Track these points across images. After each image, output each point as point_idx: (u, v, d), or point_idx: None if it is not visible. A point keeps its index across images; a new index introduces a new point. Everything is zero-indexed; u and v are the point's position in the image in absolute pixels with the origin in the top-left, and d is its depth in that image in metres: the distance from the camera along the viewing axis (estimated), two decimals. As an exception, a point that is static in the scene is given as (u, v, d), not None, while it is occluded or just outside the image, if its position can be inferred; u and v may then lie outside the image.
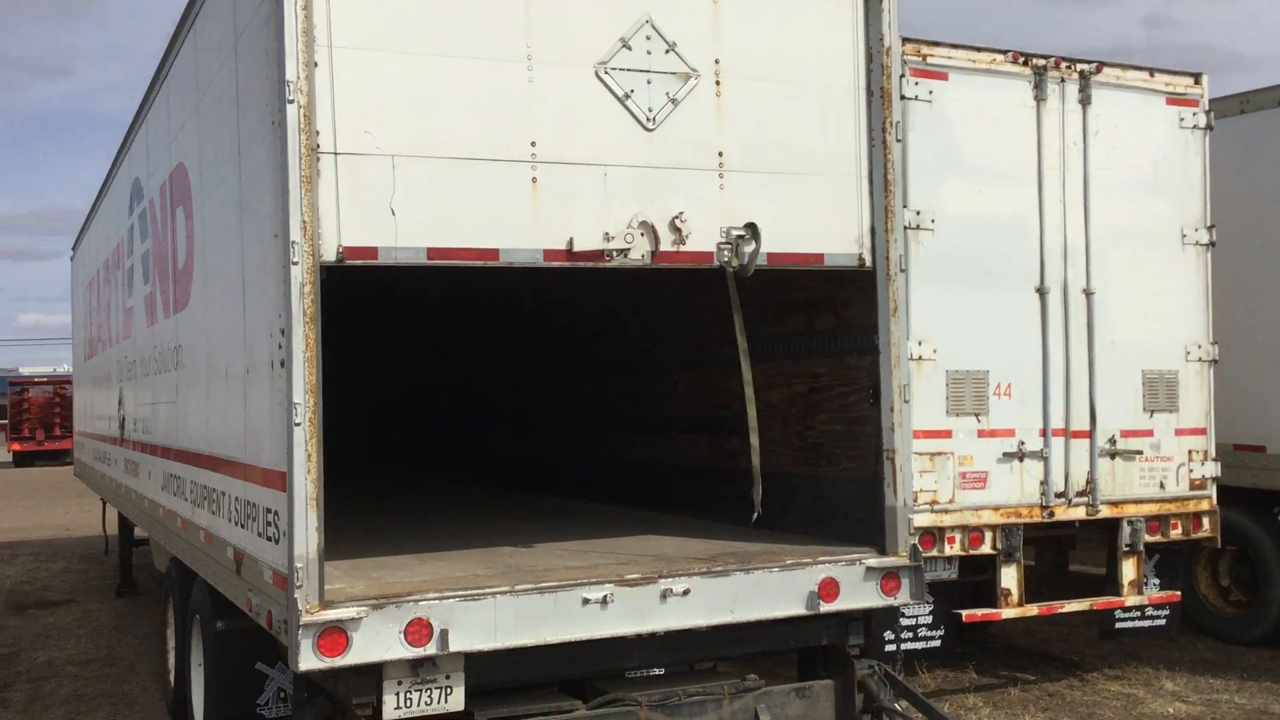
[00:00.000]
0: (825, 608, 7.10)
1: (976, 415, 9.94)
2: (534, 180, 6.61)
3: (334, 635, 6.01)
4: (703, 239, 6.97)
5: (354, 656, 6.05)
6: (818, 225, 7.29)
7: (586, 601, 6.53)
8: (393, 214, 6.28)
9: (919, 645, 10.22)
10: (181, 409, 9.39)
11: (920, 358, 9.70)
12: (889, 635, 10.06)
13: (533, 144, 6.61)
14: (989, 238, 10.05)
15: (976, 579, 10.29)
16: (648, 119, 6.87)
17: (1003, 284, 10.10)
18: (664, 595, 6.70)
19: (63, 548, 23.48)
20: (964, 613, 10.09)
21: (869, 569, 7.22)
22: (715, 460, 9.47)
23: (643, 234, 6.81)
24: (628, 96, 6.82)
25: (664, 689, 7.00)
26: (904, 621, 10.14)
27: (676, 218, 6.88)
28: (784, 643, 7.41)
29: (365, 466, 17.30)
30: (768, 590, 6.97)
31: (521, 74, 6.61)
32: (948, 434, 9.83)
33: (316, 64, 6.08)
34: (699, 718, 6.97)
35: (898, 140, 7.41)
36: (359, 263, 6.25)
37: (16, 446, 54.47)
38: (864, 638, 7.44)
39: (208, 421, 8.34)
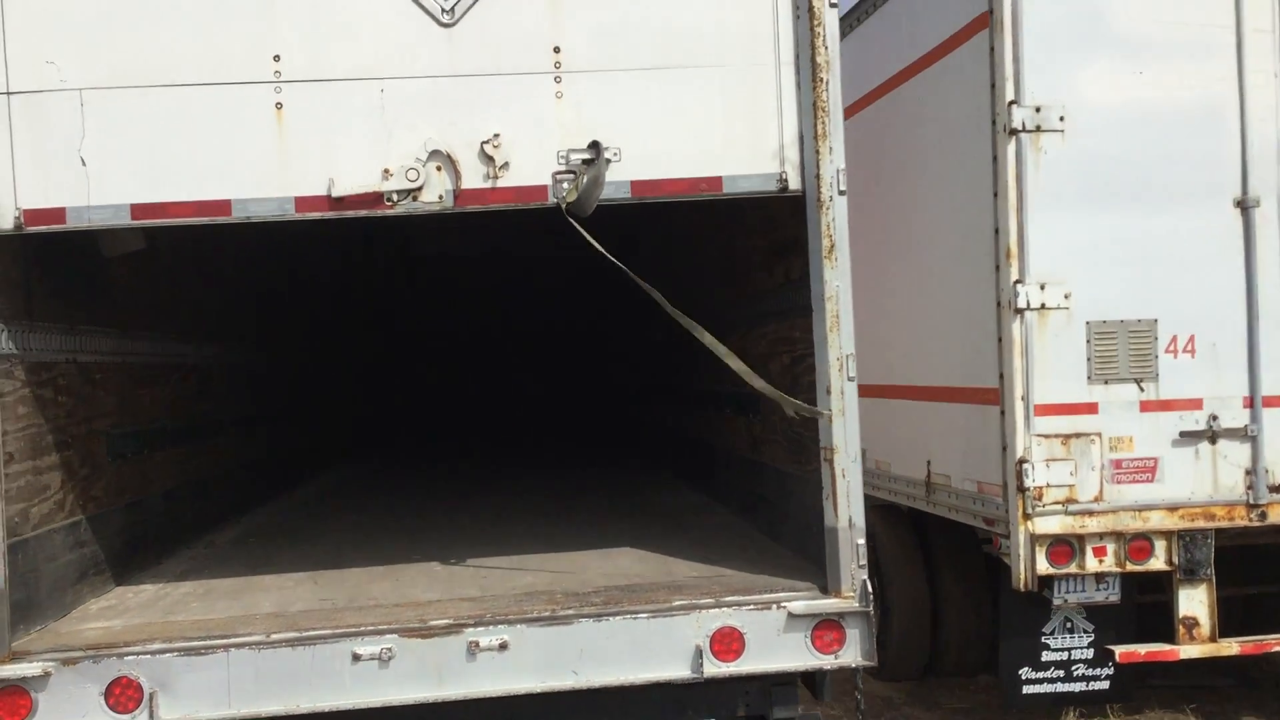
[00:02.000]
0: (719, 669, 5.11)
1: (1138, 382, 7.26)
2: (278, 107, 5.06)
3: (12, 697, 4.82)
4: (531, 169, 5.14)
5: (39, 724, 4.84)
6: (713, 137, 5.23)
7: (358, 658, 4.97)
8: (83, 164, 4.95)
9: (1075, 688, 7.70)
10: None
11: (1044, 307, 7.17)
12: (1024, 674, 7.63)
13: (276, 58, 5.06)
14: (1154, 136, 7.28)
15: (1154, 600, 7.62)
16: (443, 10, 5.11)
17: (1177, 199, 7.30)
18: (472, 650, 5.01)
19: None
20: (1119, 649, 7.47)
21: (792, 616, 5.14)
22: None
23: (439, 168, 5.08)
24: (412, -16, 5.10)
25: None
26: (1050, 655, 7.67)
27: (488, 143, 5.10)
28: (671, 716, 5.45)
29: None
30: (632, 644, 5.09)
31: (260, -32, 5.05)
32: (1090, 409, 7.25)
33: (-29, -21, 4.86)
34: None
35: (832, 5, 5.17)
36: (43, 229, 4.98)
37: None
38: (794, 710, 5.36)
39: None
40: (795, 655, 5.14)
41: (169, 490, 7.45)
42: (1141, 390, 7.26)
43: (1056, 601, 7.39)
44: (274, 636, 5.00)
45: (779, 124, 5.22)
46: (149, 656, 4.90)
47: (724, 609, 5.14)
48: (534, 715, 5.21)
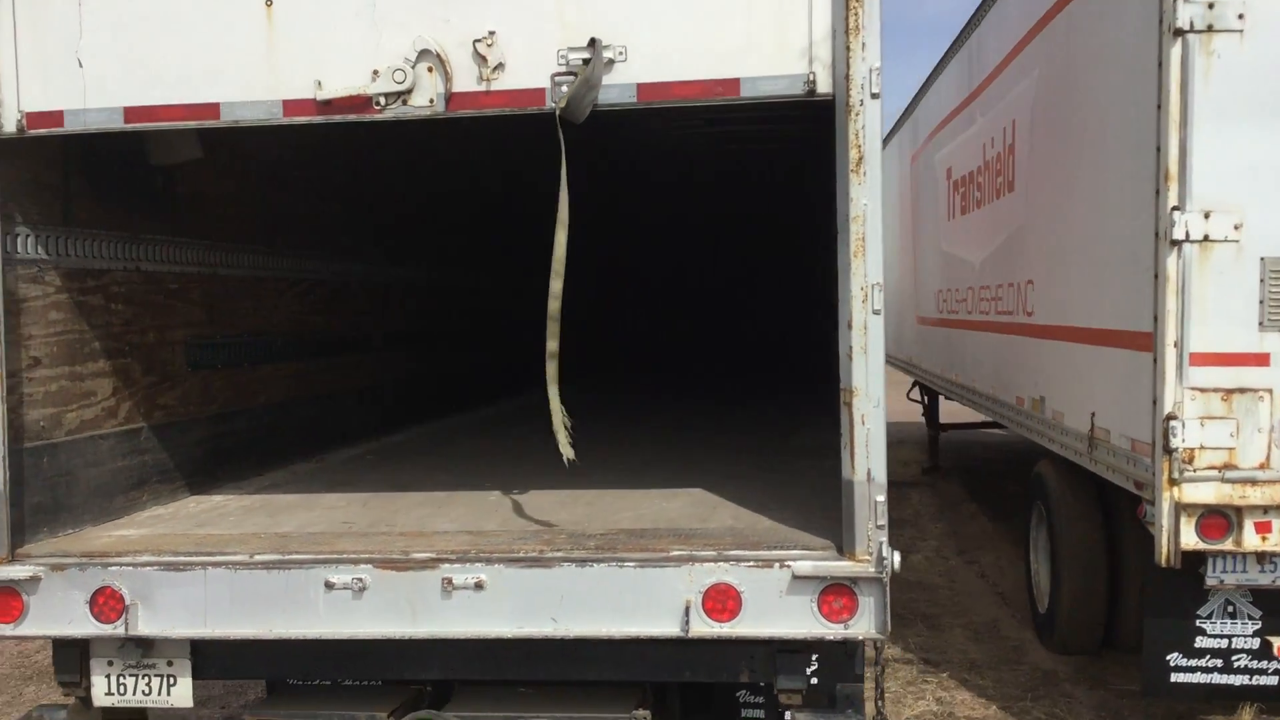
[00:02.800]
0: (710, 629, 4.60)
1: (1325, 330, 6.13)
2: (269, 4, 4.79)
3: (6, 598, 4.88)
4: (528, 70, 4.69)
5: (29, 626, 4.89)
6: (733, 32, 4.61)
7: (331, 586, 4.75)
8: (80, 65, 4.85)
9: (1235, 681, 6.67)
10: None
11: (1207, 238, 6.12)
12: (1174, 660, 6.66)
13: (268, -47, 4.79)
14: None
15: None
16: (438, -104, 4.70)
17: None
18: (446, 587, 4.70)
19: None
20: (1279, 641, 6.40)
21: (796, 577, 4.56)
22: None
23: (430, 69, 4.70)
24: None
25: (496, 712, 4.99)
26: (1205, 642, 6.66)
27: (481, 41, 4.68)
28: (666, 674, 4.96)
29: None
30: (617, 593, 4.65)
31: None
32: (1260, 360, 6.16)
33: None
34: (544, 763, 4.88)
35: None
36: (43, 132, 4.92)
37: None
38: (803, 682, 4.76)
39: None
40: (799, 621, 4.57)
41: (281, 403, 7.47)
42: (1328, 340, 6.12)
43: (1210, 581, 6.39)
44: (256, 558, 4.83)
45: (808, 16, 4.54)
46: (132, 569, 4.85)
47: (721, 564, 4.61)
48: (512, 662, 4.86)
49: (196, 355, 6.56)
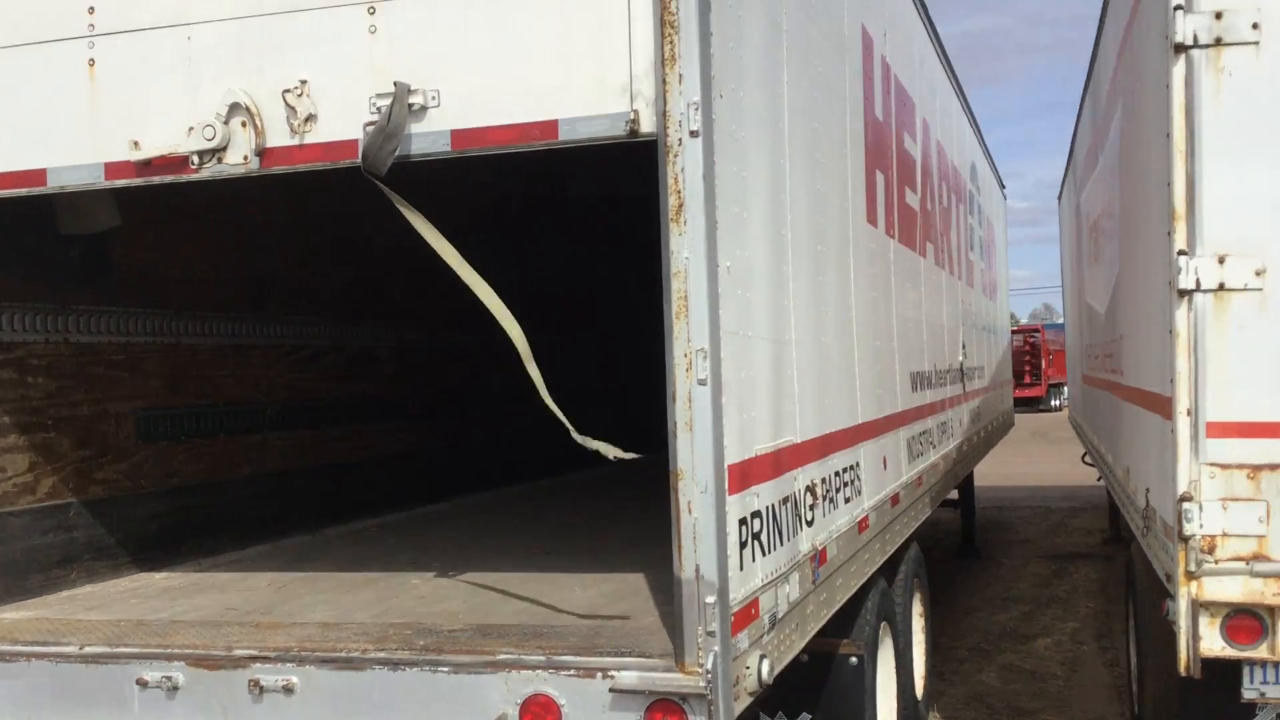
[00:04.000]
0: (523, 749, 4.02)
1: (1372, 394, 5.09)
2: (91, 64, 4.56)
3: None
4: (341, 120, 4.30)
5: None
6: (550, 70, 4.10)
7: (144, 685, 4.40)
8: (-85, 136, 4.73)
9: (1293, 811, 5.59)
10: None
11: (1223, 287, 5.18)
12: (1214, 783, 5.63)
13: (90, 10, 4.56)
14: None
15: None
16: (250, -60, 4.38)
17: None
18: (256, 689, 4.28)
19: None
20: None
21: (619, 690, 3.94)
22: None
23: (243, 124, 4.37)
24: (221, -88, 4.40)
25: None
26: (1254, 763, 5.61)
27: (291, 91, 4.31)
28: None
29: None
30: (431, 702, 4.13)
31: (76, -94, 4.58)
32: (1292, 430, 5.18)
33: None
34: None
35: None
36: None
37: (991, 393, 55.95)
38: None
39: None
40: (624, 741, 3.94)
41: (273, 475, 7.26)
42: (1377, 407, 5.08)
43: (1249, 695, 5.37)
44: (86, 650, 4.53)
45: (628, 48, 3.99)
46: (-39, 657, 4.61)
47: (539, 671, 4.03)
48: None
49: (151, 427, 6.37)
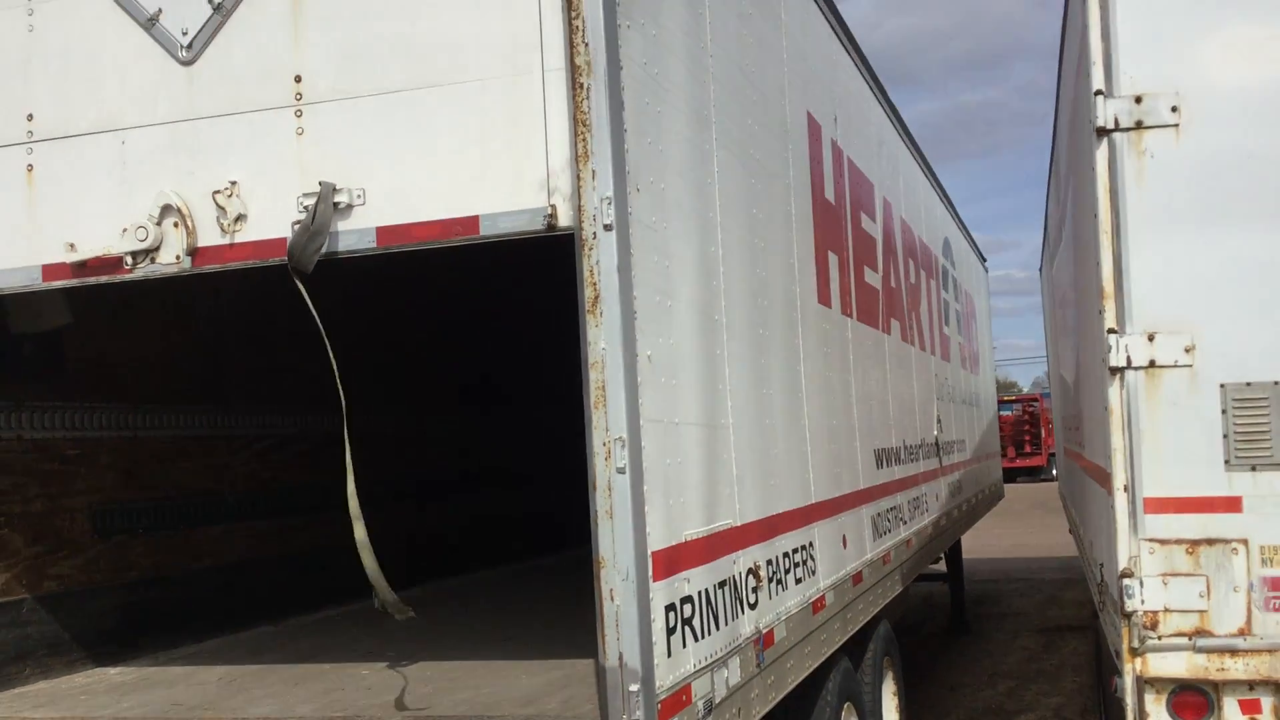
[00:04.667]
0: (452, 844, 4.02)
1: (1307, 467, 5.14)
2: (29, 169, 4.67)
3: None
4: (270, 219, 4.40)
5: None
6: (470, 168, 4.20)
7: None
8: None
9: None
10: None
11: (1153, 364, 5.25)
12: None
13: (29, 117, 4.68)
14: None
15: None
16: (182, 47, 4.50)
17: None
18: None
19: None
20: None
21: (545, 784, 3.95)
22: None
23: (175, 224, 4.46)
24: (154, 20, 4.54)
25: None
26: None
27: (221, 193, 4.42)
28: None
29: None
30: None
31: (20, 20, 4.71)
32: (1231, 504, 5.20)
33: None
34: None
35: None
36: None
37: (988, 462, 55.84)
38: None
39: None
40: (551, 834, 3.94)
41: (235, 565, 7.28)
42: (1313, 480, 5.12)
43: (1200, 772, 5.36)
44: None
45: (544, 144, 4.09)
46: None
47: (463, 764, 4.04)
48: None
49: (108, 521, 6.41)
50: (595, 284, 3.93)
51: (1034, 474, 53.14)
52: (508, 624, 7.23)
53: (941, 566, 16.08)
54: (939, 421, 12.36)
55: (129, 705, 5.25)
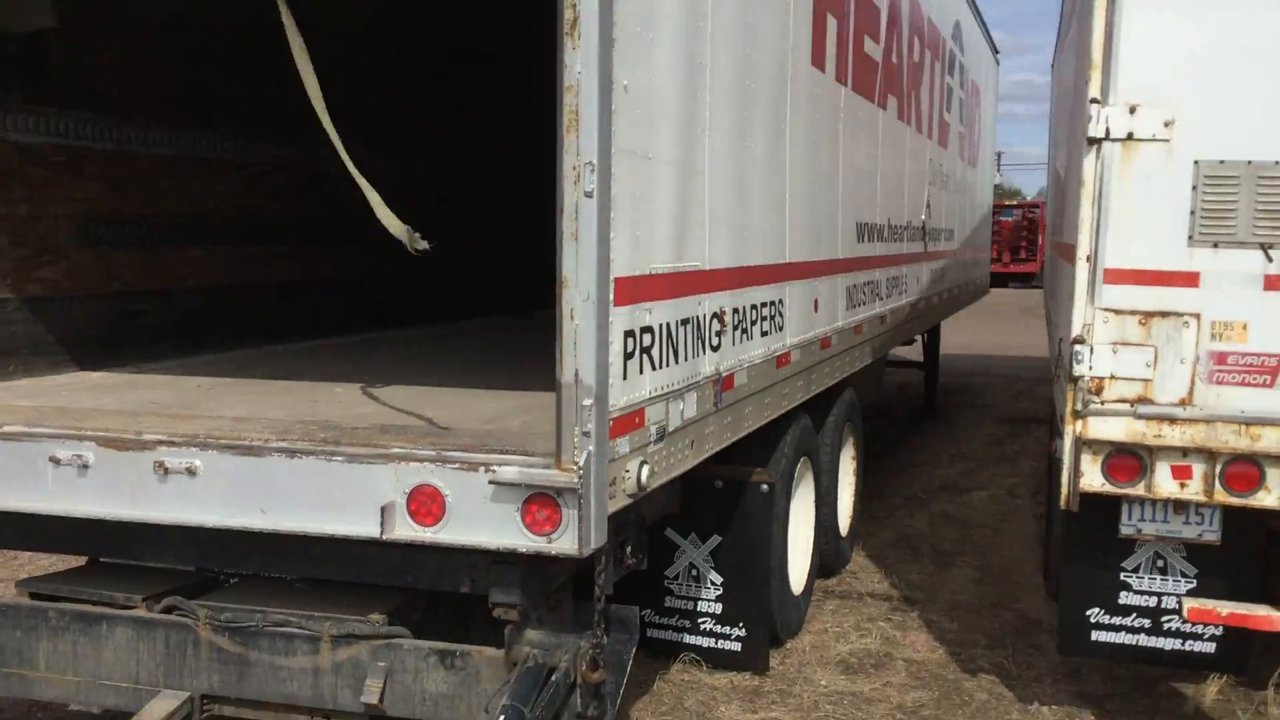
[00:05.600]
0: (415, 533, 4.27)
1: (1265, 248, 5.23)
2: None
3: None
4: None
5: None
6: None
7: (57, 461, 4.62)
8: None
9: (1165, 645, 5.90)
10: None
11: (1131, 136, 5.29)
12: (1094, 615, 5.93)
13: None
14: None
15: None
16: None
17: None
18: (161, 470, 4.50)
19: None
20: (1189, 604, 5.56)
21: (500, 484, 4.16)
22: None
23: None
24: None
25: (243, 605, 4.81)
26: (1131, 599, 5.90)
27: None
28: (389, 578, 4.64)
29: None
30: (324, 488, 4.36)
31: None
32: (1188, 280, 5.32)
33: None
34: (281, 658, 4.69)
35: None
36: None
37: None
38: (516, 596, 4.39)
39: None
40: (503, 531, 4.18)
41: (219, 289, 7.42)
42: (1270, 261, 5.23)
43: (1126, 530, 5.63)
44: (5, 429, 4.75)
45: None
46: (-115, 432, 4.82)
47: (427, 465, 4.25)
48: (228, 559, 4.68)
49: (92, 231, 6.51)
50: (574, 6, 3.94)
51: (1027, 280, 53.35)
52: (490, 364, 7.43)
53: (920, 355, 16.40)
54: (928, 206, 12.39)
55: (107, 401, 5.46)
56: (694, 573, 6.52)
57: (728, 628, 6.54)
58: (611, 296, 4.16)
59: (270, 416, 5.04)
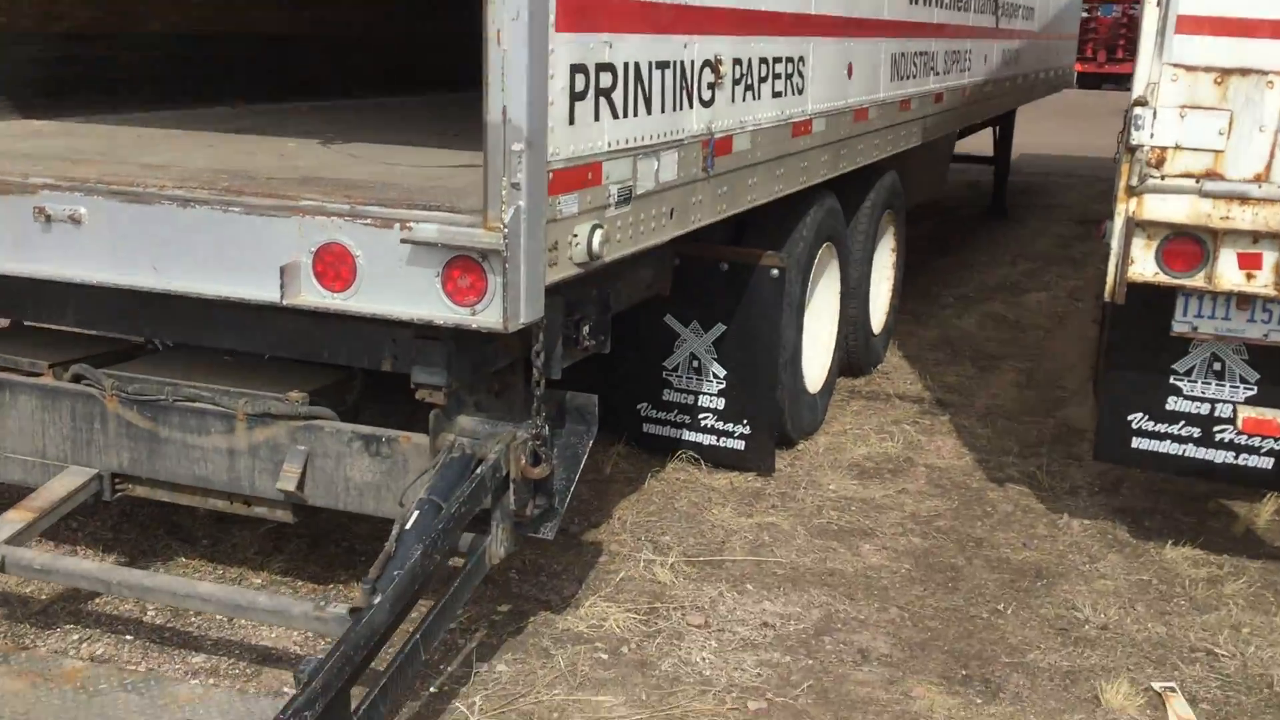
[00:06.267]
0: (322, 299, 3.66)
1: (1375, -7, 4.33)
2: None
3: None
4: None
5: None
6: None
7: (-65, 207, 4.04)
8: None
9: (1219, 458, 5.20)
10: None
11: None
12: (1137, 421, 5.23)
13: None
14: None
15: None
16: None
17: None
18: (43, 217, 3.91)
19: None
20: (1245, 413, 4.85)
21: (416, 244, 3.52)
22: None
23: None
24: None
25: (154, 376, 4.27)
26: (1181, 404, 5.18)
27: None
28: (299, 351, 4.06)
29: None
30: (221, 244, 3.74)
31: None
32: (1277, 30, 4.45)
33: None
34: (194, 436, 4.16)
35: None
36: None
37: (1080, 67, 53.21)
38: (440, 377, 3.79)
39: None
40: (421, 299, 3.55)
41: (187, 37, 6.74)
42: (1381, 6, 4.33)
43: (1179, 328, 4.88)
44: (-112, 169, 4.16)
45: None
46: None
47: (335, 219, 3.61)
48: (127, 324, 4.13)
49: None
50: None
51: (1122, 82, 50.85)
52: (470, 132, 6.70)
53: (990, 150, 15.32)
54: None
55: (27, 147, 4.85)
56: (695, 364, 5.91)
57: (730, 424, 5.95)
58: (552, 18, 3.42)
59: (189, 166, 4.40)
